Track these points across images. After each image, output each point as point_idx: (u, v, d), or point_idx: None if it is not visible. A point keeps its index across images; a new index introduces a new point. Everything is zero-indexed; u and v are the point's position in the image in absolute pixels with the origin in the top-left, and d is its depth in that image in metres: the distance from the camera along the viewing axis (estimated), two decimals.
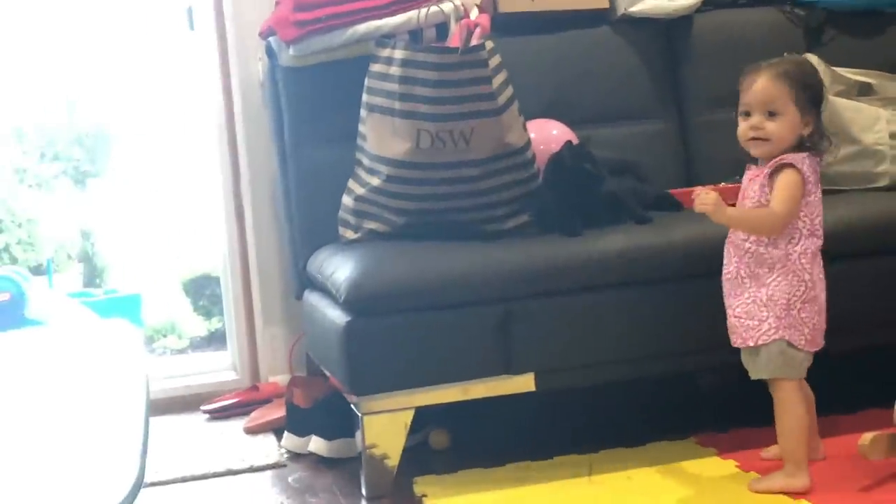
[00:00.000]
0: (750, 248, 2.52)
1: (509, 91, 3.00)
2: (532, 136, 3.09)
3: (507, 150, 2.98)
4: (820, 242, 2.52)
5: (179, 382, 3.80)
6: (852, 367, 3.20)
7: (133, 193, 5.23)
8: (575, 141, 3.07)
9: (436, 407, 2.79)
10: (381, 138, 3.02)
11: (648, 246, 2.80)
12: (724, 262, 2.58)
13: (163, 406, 3.56)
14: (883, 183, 3.18)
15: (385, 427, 2.71)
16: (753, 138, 2.51)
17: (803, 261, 2.48)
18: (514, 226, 3.01)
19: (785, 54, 2.65)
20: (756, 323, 2.50)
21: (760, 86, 2.50)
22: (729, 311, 2.57)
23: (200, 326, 5.07)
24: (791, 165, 2.47)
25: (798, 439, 2.51)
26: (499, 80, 2.98)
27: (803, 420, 2.52)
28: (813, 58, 3.32)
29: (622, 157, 3.31)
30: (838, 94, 3.28)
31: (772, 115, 2.49)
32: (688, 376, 3.34)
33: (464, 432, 3.12)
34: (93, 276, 5.27)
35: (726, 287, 2.58)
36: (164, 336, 5.04)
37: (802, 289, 2.48)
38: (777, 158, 2.48)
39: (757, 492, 2.52)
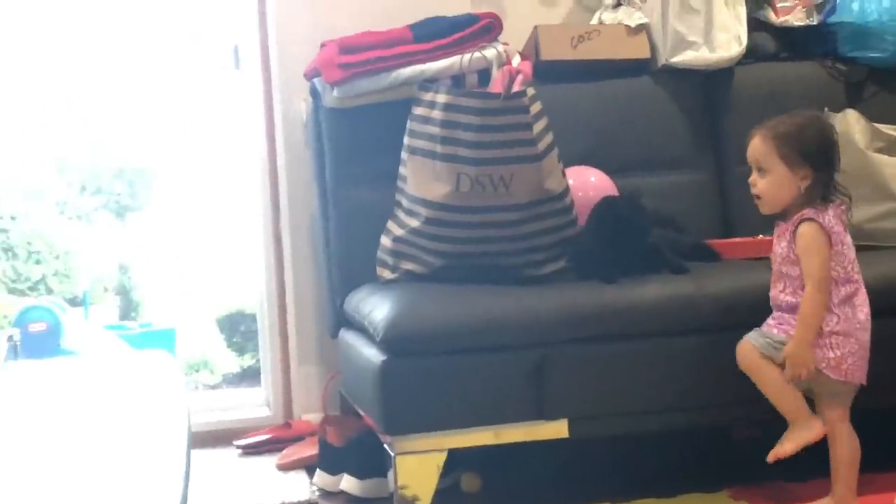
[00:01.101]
0: (788, 299, 2.56)
1: (549, 138, 3.03)
2: (570, 182, 3.10)
3: (546, 196, 3.00)
4: (856, 287, 2.58)
5: (213, 417, 3.82)
6: (891, 424, 3.17)
7: (172, 229, 5.27)
8: (614, 190, 3.09)
9: (468, 450, 2.79)
10: (422, 181, 3.04)
11: (684, 296, 2.80)
12: (771, 321, 2.65)
13: (196, 440, 3.53)
14: None
15: (417, 468, 2.71)
16: (755, 196, 2.63)
17: (847, 309, 2.55)
18: (552, 271, 3.02)
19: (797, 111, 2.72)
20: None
21: (751, 145, 2.62)
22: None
23: (233, 362, 5.09)
24: (809, 220, 2.53)
25: (854, 472, 2.59)
26: (539, 126, 3.00)
27: (858, 452, 2.60)
28: (853, 113, 3.33)
29: (658, 207, 3.31)
30: (879, 151, 3.28)
31: (761, 172, 2.60)
32: (722, 428, 3.33)
33: (495, 476, 3.12)
34: (128, 309, 5.30)
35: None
36: (197, 371, 5.07)
37: (834, 324, 2.54)
38: (799, 214, 2.55)
39: None
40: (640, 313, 2.80)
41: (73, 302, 5.02)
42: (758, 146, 2.60)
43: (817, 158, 2.56)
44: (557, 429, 2.77)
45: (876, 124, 3.34)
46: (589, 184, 3.25)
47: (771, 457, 2.58)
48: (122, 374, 2.04)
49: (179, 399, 1.74)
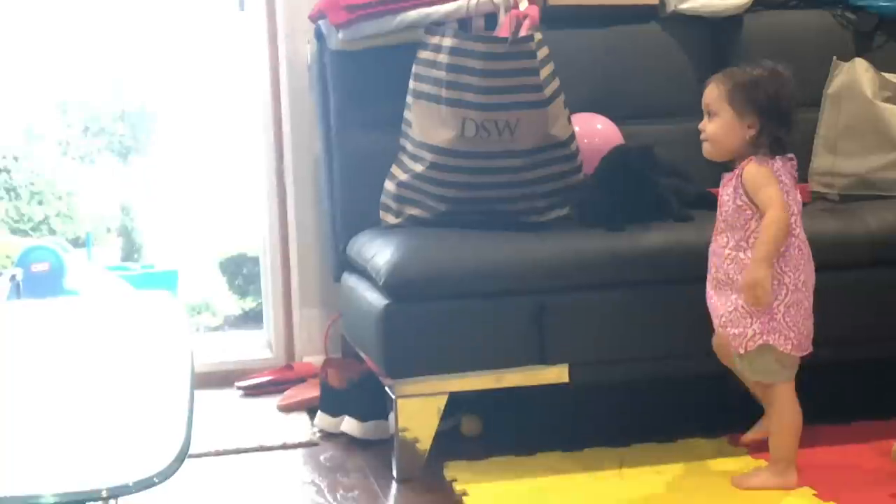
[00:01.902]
0: (730, 253, 2.53)
1: (556, 83, 3.01)
2: (576, 129, 3.09)
3: (552, 143, 2.99)
4: (798, 242, 2.53)
5: (215, 359, 3.84)
6: (887, 374, 3.19)
7: (174, 171, 5.26)
8: (620, 137, 3.08)
9: (469, 393, 2.81)
10: (427, 125, 3.03)
11: (688, 243, 2.80)
12: (709, 269, 2.60)
13: (198, 381, 3.55)
14: None
15: (418, 411, 2.73)
16: (702, 140, 2.60)
17: (783, 266, 2.49)
18: (555, 217, 3.02)
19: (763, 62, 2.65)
20: (741, 330, 2.52)
21: (706, 90, 2.60)
22: (716, 322, 2.59)
23: (235, 305, 5.10)
24: (758, 162, 2.51)
25: (793, 439, 2.55)
26: (546, 71, 2.98)
27: (799, 420, 2.55)
28: (862, 62, 3.32)
29: (665, 155, 3.30)
30: (886, 100, 3.27)
31: (710, 116, 2.58)
32: (722, 375, 3.34)
33: (496, 420, 3.14)
34: (131, 250, 5.31)
35: (712, 296, 2.59)
36: (199, 313, 5.08)
37: (783, 292, 2.49)
38: (744, 161, 2.53)
39: (744, 488, 2.56)
40: (643, 261, 2.81)
41: (76, 243, 5.02)
42: (712, 90, 2.58)
43: (768, 110, 2.52)
44: (558, 374, 2.79)
45: (884, 73, 3.33)
46: (595, 131, 3.24)
47: (737, 483, 2.58)
48: (125, 314, 2.05)
49: (183, 339, 1.75)
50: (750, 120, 2.52)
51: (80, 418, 1.37)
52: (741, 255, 2.51)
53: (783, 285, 2.49)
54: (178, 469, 1.19)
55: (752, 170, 2.50)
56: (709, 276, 2.60)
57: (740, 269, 2.51)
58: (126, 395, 1.48)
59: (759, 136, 2.53)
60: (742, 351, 2.53)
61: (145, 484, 1.15)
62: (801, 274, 2.52)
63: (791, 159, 2.56)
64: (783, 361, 2.52)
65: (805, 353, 2.55)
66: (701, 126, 2.61)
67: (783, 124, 2.54)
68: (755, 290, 2.45)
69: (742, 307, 2.50)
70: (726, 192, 2.56)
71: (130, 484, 1.15)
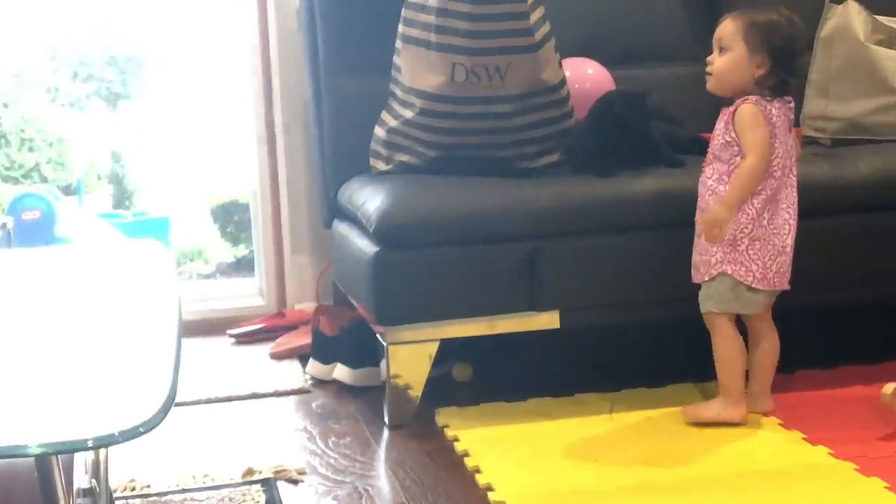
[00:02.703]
0: (712, 185, 2.59)
1: (546, 27, 2.98)
2: (567, 74, 3.07)
3: (542, 87, 2.97)
4: (777, 184, 2.55)
5: (206, 306, 3.84)
6: (877, 318, 3.20)
7: (165, 117, 5.23)
8: (612, 82, 3.06)
9: (461, 340, 2.82)
10: (416, 71, 3.00)
11: (679, 189, 2.79)
12: (699, 200, 2.64)
13: (189, 329, 3.56)
14: None
15: (410, 357, 2.74)
16: (707, 73, 2.62)
17: (753, 200, 2.53)
18: (546, 163, 3.01)
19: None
20: (706, 258, 2.58)
21: (721, 25, 2.61)
22: (694, 251, 2.64)
23: (227, 252, 5.09)
24: (750, 103, 2.53)
25: (735, 371, 2.60)
26: (536, 15, 2.95)
27: (740, 354, 2.61)
28: (854, 5, 3.28)
29: (656, 101, 3.28)
30: (879, 43, 3.24)
31: (722, 51, 2.59)
32: None
33: (487, 367, 3.15)
34: (122, 197, 5.29)
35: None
36: (191, 260, 5.07)
37: (750, 227, 2.53)
38: (741, 99, 2.55)
39: (692, 420, 2.62)
40: (634, 206, 2.80)
41: (67, 190, 5.00)
42: (727, 26, 2.59)
43: (780, 53, 2.55)
44: (549, 319, 2.79)
45: (877, 16, 3.30)
46: (586, 76, 3.22)
47: (686, 414, 2.63)
48: (113, 262, 2.04)
49: (171, 288, 1.74)
50: (760, 59, 2.54)
51: (67, 368, 1.37)
52: (721, 187, 2.56)
53: (751, 220, 2.53)
54: (164, 419, 1.19)
55: (746, 110, 2.53)
56: (698, 205, 2.64)
57: (718, 200, 2.54)
58: (112, 344, 1.48)
59: (766, 77, 2.55)
60: (706, 278, 2.59)
61: (131, 434, 1.14)
62: (781, 214, 2.56)
63: (789, 102, 2.58)
64: (738, 294, 2.56)
65: (774, 289, 2.59)
66: (709, 59, 2.62)
67: (790, 70, 2.57)
68: (713, 228, 2.52)
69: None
70: (719, 126, 2.59)
71: (116, 433, 1.14)
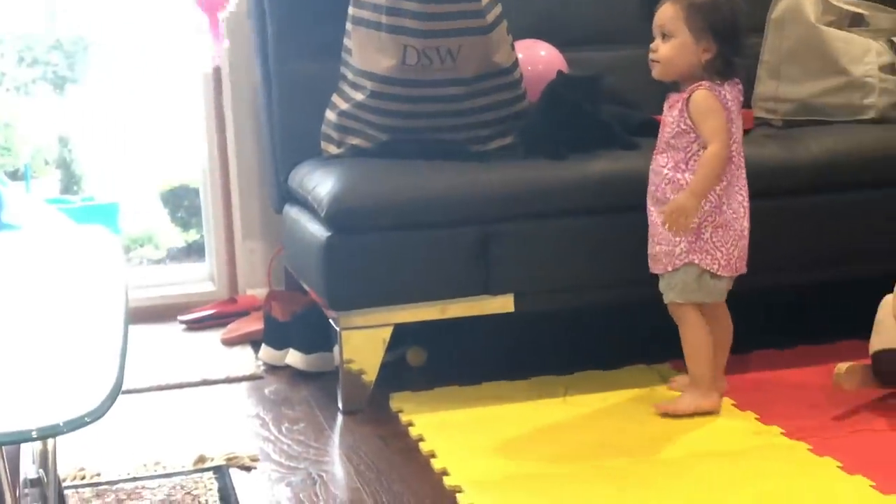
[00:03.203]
0: (668, 174, 2.55)
1: (498, 9, 2.96)
2: (520, 56, 3.05)
3: (494, 70, 2.95)
4: (734, 168, 2.53)
5: (156, 292, 3.79)
6: (829, 299, 3.22)
7: (112, 101, 5.17)
8: (564, 65, 3.05)
9: (414, 325, 2.80)
10: (367, 53, 2.97)
11: (631, 171, 2.78)
12: (649, 186, 2.61)
13: (139, 315, 3.55)
14: (870, 115, 3.15)
15: (363, 343, 2.72)
16: (652, 61, 2.57)
17: (715, 186, 2.51)
18: (499, 147, 2.99)
19: None
20: (669, 248, 2.55)
21: (661, 10, 2.57)
22: (651, 241, 2.61)
23: (178, 237, 5.04)
24: (705, 89, 2.50)
25: (706, 360, 2.58)
26: None
27: (709, 343, 2.58)
28: None
29: (609, 83, 3.28)
30: (829, 25, 3.25)
31: (665, 37, 2.55)
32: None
33: (441, 351, 3.14)
34: (70, 183, 5.22)
35: (652, 212, 2.61)
36: (142, 246, 5.02)
37: (714, 215, 2.52)
38: (696, 84, 2.51)
39: (665, 413, 2.59)
40: (586, 189, 2.80)
41: (14, 176, 4.93)
42: (668, 10, 2.54)
43: (724, 35, 2.52)
44: (503, 303, 2.79)
45: None
46: (539, 58, 3.21)
47: (659, 409, 2.61)
48: (59, 249, 2.00)
49: (117, 275, 1.71)
50: (706, 43, 2.51)
51: (10, 356, 1.34)
52: (678, 175, 2.53)
53: (714, 207, 2.52)
54: (110, 407, 1.17)
55: (701, 96, 2.51)
56: (649, 192, 2.61)
57: (677, 189, 2.53)
58: (58, 332, 1.45)
59: (713, 61, 2.52)
60: (670, 268, 2.56)
61: (76, 424, 1.12)
62: (735, 197, 2.54)
63: (737, 84, 2.56)
64: (703, 283, 2.54)
65: (735, 274, 2.57)
66: (653, 46, 2.58)
67: (736, 49, 2.54)
68: (678, 218, 2.49)
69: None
70: (671, 115, 2.56)
71: (61, 423, 1.12)
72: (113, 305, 1.53)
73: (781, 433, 2.45)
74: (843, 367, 2.53)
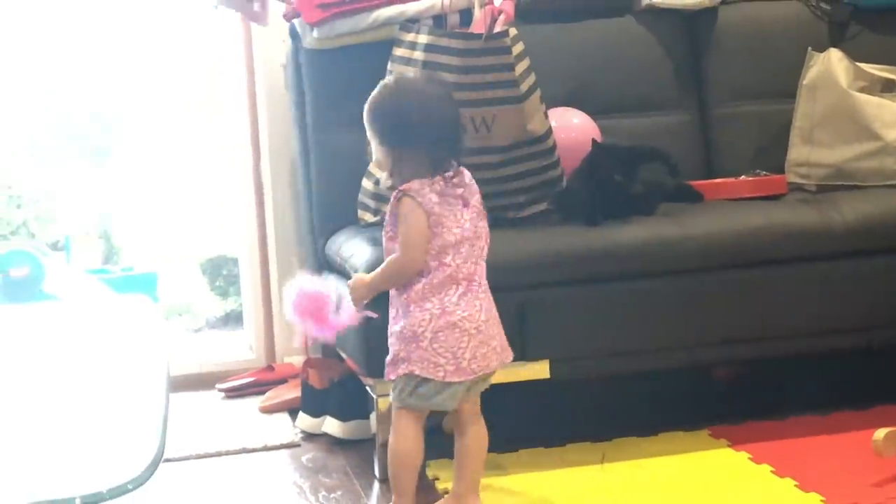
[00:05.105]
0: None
1: (532, 79, 3.00)
2: (553, 124, 3.09)
3: (529, 138, 2.99)
4: (451, 271, 2.31)
5: (195, 360, 3.82)
6: (867, 364, 3.20)
7: (152, 173, 5.24)
8: (597, 132, 3.08)
9: None
10: None
11: (667, 237, 2.80)
12: None
13: (179, 384, 3.56)
14: None
15: None
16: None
17: (426, 292, 2.30)
18: (533, 213, 3.02)
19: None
20: (391, 357, 2.37)
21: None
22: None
23: (216, 306, 5.08)
24: (406, 196, 2.27)
25: (400, 468, 2.40)
26: (521, 67, 2.98)
27: (412, 452, 2.39)
28: (836, 53, 3.32)
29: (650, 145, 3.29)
30: (861, 90, 3.27)
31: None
32: (703, 368, 3.34)
33: None
34: (110, 253, 5.28)
35: None
36: (180, 315, 5.06)
37: (427, 318, 2.30)
38: (404, 186, 2.28)
39: None
40: (622, 255, 2.81)
41: (55, 246, 4.99)
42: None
43: (394, 132, 2.28)
44: (539, 369, 2.79)
45: (859, 63, 3.33)
46: (572, 125, 3.24)
47: None
48: (101, 319, 2.04)
49: (158, 344, 1.74)
50: (386, 147, 2.30)
51: (55, 425, 1.36)
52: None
53: (427, 312, 2.30)
54: (152, 475, 1.18)
55: (405, 214, 2.28)
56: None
57: (392, 298, 2.38)
58: (101, 401, 1.47)
59: (400, 164, 2.28)
60: (392, 377, 2.36)
61: (119, 491, 1.14)
62: (463, 297, 2.33)
63: (453, 176, 2.30)
64: (420, 393, 2.34)
65: (474, 376, 2.36)
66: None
67: (423, 142, 2.26)
68: (352, 294, 2.38)
69: (396, 332, 2.34)
70: (387, 217, 2.38)
71: (104, 491, 1.14)
72: (154, 374, 1.55)
73: (821, 500, 2.43)
74: (881, 432, 2.51)
